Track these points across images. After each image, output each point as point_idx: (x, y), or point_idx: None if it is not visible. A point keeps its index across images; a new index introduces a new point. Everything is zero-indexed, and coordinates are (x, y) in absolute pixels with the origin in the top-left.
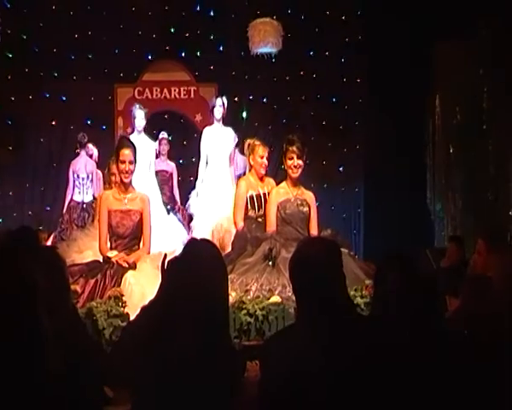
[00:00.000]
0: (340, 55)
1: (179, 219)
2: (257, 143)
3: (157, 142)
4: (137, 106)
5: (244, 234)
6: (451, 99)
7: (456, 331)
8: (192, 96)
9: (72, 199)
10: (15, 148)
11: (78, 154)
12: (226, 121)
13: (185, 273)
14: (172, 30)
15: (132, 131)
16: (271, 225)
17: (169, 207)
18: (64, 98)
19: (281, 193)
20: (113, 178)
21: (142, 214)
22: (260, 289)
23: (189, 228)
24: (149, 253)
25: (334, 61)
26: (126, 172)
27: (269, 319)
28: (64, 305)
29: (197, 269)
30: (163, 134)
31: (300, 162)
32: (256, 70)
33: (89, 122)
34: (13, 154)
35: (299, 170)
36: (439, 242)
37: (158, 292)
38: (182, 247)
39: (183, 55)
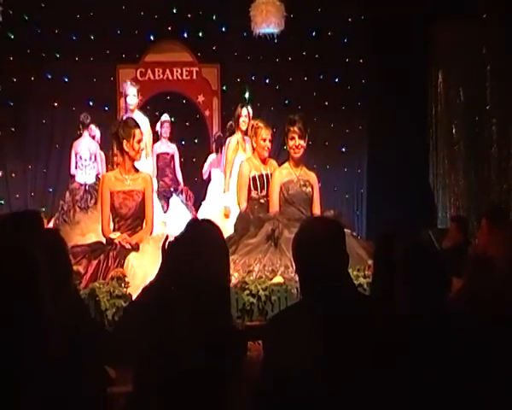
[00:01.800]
0: (342, 35)
1: (182, 201)
2: (260, 125)
3: (159, 123)
4: (128, 83)
5: (247, 215)
6: (454, 79)
7: (460, 314)
8: (194, 76)
9: (74, 180)
10: (17, 129)
11: (80, 135)
12: (229, 104)
13: (186, 253)
14: (175, 10)
15: (126, 111)
16: (274, 205)
17: (172, 188)
18: (66, 79)
19: (283, 174)
20: (115, 158)
21: (144, 194)
22: (263, 270)
23: (194, 209)
24: (152, 233)
25: (336, 41)
26: (138, 151)
27: (271, 299)
28: (66, 286)
29: (198, 249)
30: (165, 117)
31: (302, 143)
32: (258, 50)
33: (91, 103)
34: (15, 135)
35: (301, 150)
36: (441, 222)
37: (159, 273)
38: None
39: (186, 35)
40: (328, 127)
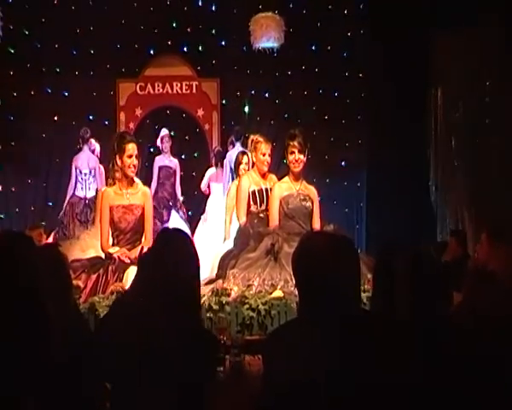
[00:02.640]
0: (342, 49)
1: (181, 217)
2: (260, 139)
3: (159, 138)
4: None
5: (246, 229)
6: (453, 92)
7: (460, 327)
8: (194, 91)
9: (74, 194)
10: (17, 143)
11: (80, 149)
12: (228, 118)
13: (157, 262)
14: (174, 25)
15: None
16: (274, 219)
17: (171, 203)
18: (66, 94)
19: (283, 188)
20: (117, 174)
21: (143, 209)
22: (263, 284)
23: (191, 223)
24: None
25: (336, 55)
26: (134, 167)
27: (271, 313)
28: (66, 301)
29: (168, 258)
30: (164, 131)
31: (302, 157)
32: (258, 65)
33: (91, 117)
34: (15, 149)
35: (301, 164)
36: (441, 236)
37: (133, 282)
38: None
39: (185, 49)
40: (327, 141)
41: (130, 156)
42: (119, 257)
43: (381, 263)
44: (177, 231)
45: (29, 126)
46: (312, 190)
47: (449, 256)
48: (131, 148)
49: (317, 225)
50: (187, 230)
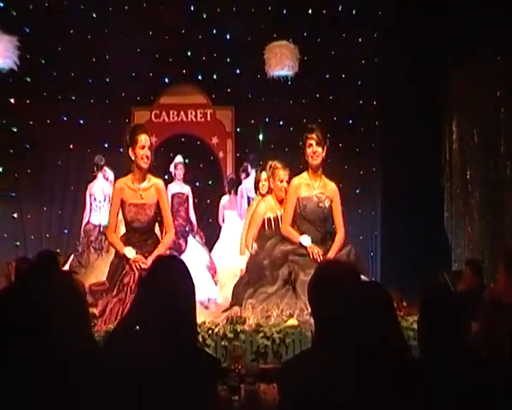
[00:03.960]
0: (356, 77)
1: (198, 242)
2: (278, 165)
3: (172, 165)
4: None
5: (260, 262)
6: (468, 121)
7: (477, 357)
8: (208, 118)
9: (88, 221)
10: (33, 171)
11: (95, 177)
12: (243, 146)
13: (152, 289)
14: (189, 53)
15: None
16: (288, 216)
17: (187, 229)
18: (81, 121)
19: (302, 186)
20: None
21: (157, 205)
22: (281, 315)
23: (211, 248)
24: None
25: (350, 83)
26: (146, 158)
27: (286, 342)
28: (82, 331)
29: (163, 284)
30: (178, 158)
31: (320, 150)
32: (272, 93)
33: (106, 145)
34: (31, 177)
35: (319, 158)
36: (456, 264)
37: (132, 305)
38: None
39: (200, 78)
40: (342, 169)
41: (143, 147)
42: (135, 266)
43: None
44: (172, 257)
45: (45, 154)
46: (332, 187)
47: (464, 286)
48: (144, 139)
49: (339, 222)
50: (205, 255)
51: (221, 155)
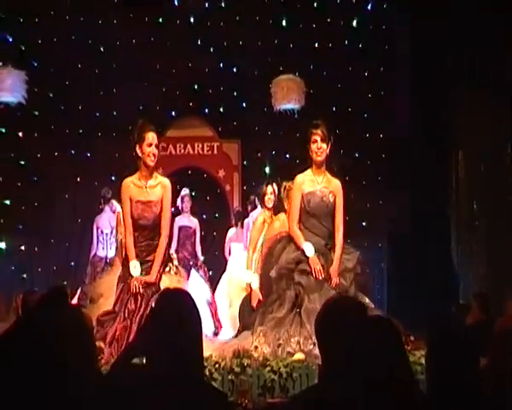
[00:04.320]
0: (362, 110)
1: (201, 276)
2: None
3: (179, 198)
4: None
5: (267, 276)
6: (475, 152)
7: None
8: (215, 151)
9: (95, 254)
10: (41, 204)
11: (102, 209)
12: (249, 179)
13: (158, 323)
14: (196, 87)
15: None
16: (294, 214)
17: (191, 263)
18: (89, 155)
19: (306, 182)
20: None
21: (162, 203)
22: (288, 342)
23: (212, 283)
24: (167, 241)
25: (356, 116)
26: (153, 155)
27: (293, 376)
28: (89, 367)
29: (169, 318)
30: (185, 191)
31: (324, 146)
32: (279, 126)
33: (113, 178)
34: (38, 210)
35: (323, 154)
36: (464, 297)
37: (138, 337)
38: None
39: (207, 111)
40: (348, 201)
41: (150, 145)
42: (135, 286)
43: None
44: (178, 290)
45: (52, 187)
46: (335, 183)
47: (472, 319)
48: (151, 136)
49: (339, 220)
50: (206, 290)
51: (228, 187)
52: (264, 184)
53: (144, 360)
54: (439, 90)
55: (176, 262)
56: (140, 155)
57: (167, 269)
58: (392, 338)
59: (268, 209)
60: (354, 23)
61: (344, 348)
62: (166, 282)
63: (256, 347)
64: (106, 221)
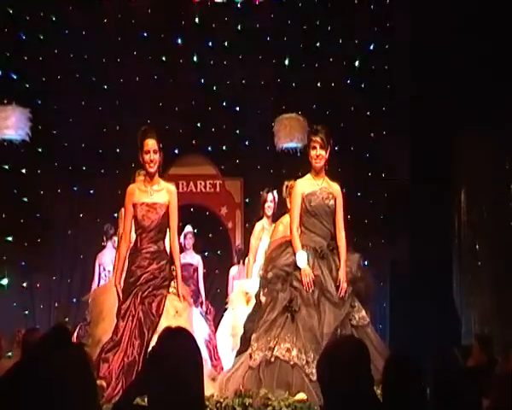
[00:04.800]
0: (364, 150)
1: (201, 313)
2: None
3: (182, 235)
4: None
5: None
6: (477, 194)
7: None
8: (218, 189)
9: None
10: (43, 240)
11: (104, 246)
12: (251, 216)
13: (160, 362)
14: (199, 125)
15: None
16: (295, 217)
17: (192, 300)
18: (91, 191)
19: (306, 184)
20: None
21: (168, 207)
22: (279, 347)
23: (214, 322)
24: (176, 245)
25: (359, 156)
26: (151, 162)
27: None
28: (91, 408)
29: (169, 357)
30: (188, 228)
31: (323, 153)
32: (281, 164)
33: (115, 215)
34: (40, 246)
35: (322, 160)
36: (466, 338)
37: (138, 378)
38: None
39: (210, 149)
40: (350, 241)
41: (148, 152)
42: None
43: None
44: (180, 329)
45: (55, 223)
46: (336, 187)
47: (474, 361)
48: (149, 143)
49: (340, 223)
50: (205, 327)
51: (230, 225)
52: (264, 191)
53: (146, 400)
54: (442, 132)
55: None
56: (142, 162)
57: (171, 289)
58: (396, 379)
59: (267, 217)
60: (356, 63)
61: (346, 391)
62: (167, 305)
63: (250, 355)
64: (108, 258)
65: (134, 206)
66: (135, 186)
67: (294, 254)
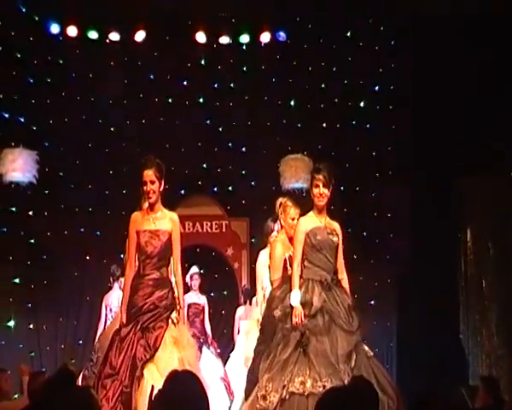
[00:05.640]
0: (370, 189)
1: (212, 352)
2: (289, 203)
3: (188, 276)
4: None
5: (271, 316)
6: (483, 233)
7: None
8: (224, 230)
9: (103, 331)
10: (49, 282)
11: (110, 287)
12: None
13: (167, 404)
14: (205, 165)
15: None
16: (297, 254)
17: (202, 340)
18: (98, 233)
19: (309, 221)
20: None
21: (171, 235)
22: (292, 382)
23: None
24: (179, 273)
25: (364, 195)
26: (149, 192)
27: None
28: None
29: (177, 399)
30: (194, 269)
31: (326, 191)
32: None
33: (122, 256)
34: (47, 288)
35: (325, 199)
36: (473, 379)
37: None
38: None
39: (216, 189)
40: (356, 280)
41: (145, 184)
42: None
43: None
44: (186, 372)
45: (61, 265)
46: (337, 226)
47: (480, 403)
48: (145, 175)
49: (341, 259)
50: (219, 366)
51: (236, 265)
52: (270, 219)
53: None
54: (446, 170)
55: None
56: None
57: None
58: None
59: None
60: (361, 103)
61: None
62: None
63: (264, 396)
64: (115, 299)
65: (137, 233)
66: (138, 214)
67: (304, 291)
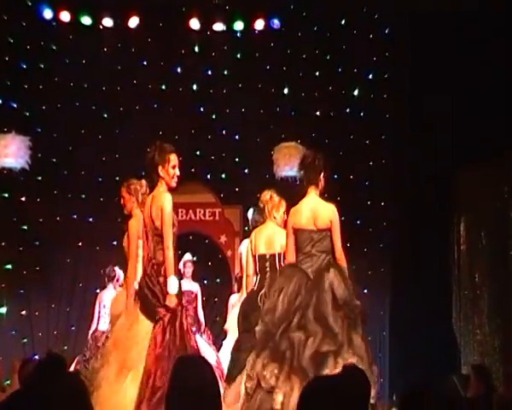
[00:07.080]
0: (364, 178)
1: (205, 341)
2: (275, 198)
3: (181, 263)
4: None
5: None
6: (476, 223)
7: None
8: (217, 217)
9: (96, 329)
10: (42, 268)
11: (105, 287)
12: None
13: (176, 390)
14: (198, 153)
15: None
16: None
17: (194, 328)
18: (91, 220)
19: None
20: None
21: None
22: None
23: (219, 347)
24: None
25: (358, 184)
26: (178, 177)
27: None
28: None
29: (187, 384)
30: (187, 256)
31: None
32: (280, 192)
33: (115, 243)
34: (39, 274)
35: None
36: (465, 367)
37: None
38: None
39: (209, 177)
40: (349, 269)
41: (174, 167)
42: None
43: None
44: (194, 357)
45: (54, 252)
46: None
47: (471, 392)
48: (175, 158)
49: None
50: (213, 354)
51: (229, 253)
52: (255, 211)
53: None
54: (440, 160)
55: None
56: (162, 175)
57: None
58: None
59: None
60: (355, 92)
61: None
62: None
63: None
64: (108, 298)
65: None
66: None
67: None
